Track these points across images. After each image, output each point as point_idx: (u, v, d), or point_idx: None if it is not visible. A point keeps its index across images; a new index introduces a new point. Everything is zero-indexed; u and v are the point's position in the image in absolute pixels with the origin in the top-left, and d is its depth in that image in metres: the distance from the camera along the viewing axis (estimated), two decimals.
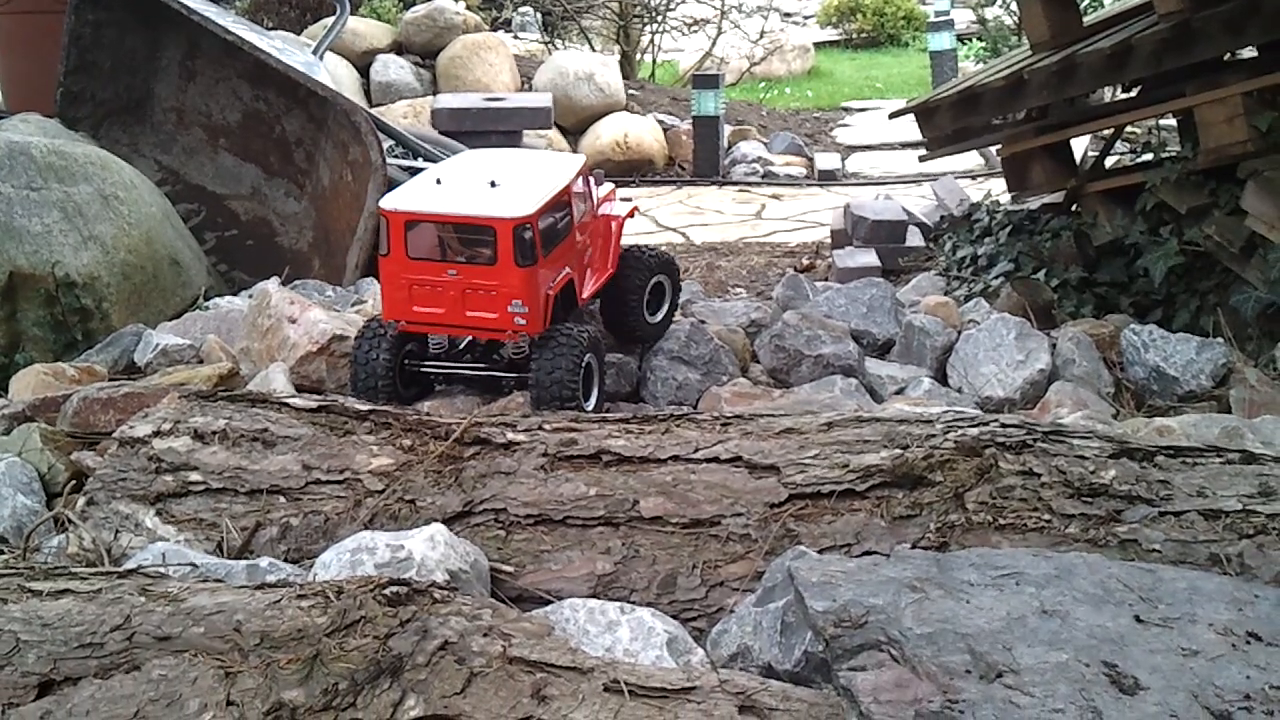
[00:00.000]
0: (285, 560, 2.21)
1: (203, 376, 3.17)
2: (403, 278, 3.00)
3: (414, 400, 3.08)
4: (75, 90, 4.78)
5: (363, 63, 9.42)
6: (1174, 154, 4.39)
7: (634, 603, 2.02)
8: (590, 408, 3.01)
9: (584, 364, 2.98)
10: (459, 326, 3.03)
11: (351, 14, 7.54)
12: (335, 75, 7.68)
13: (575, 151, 9.11)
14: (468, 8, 10.70)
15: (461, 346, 3.14)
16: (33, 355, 3.77)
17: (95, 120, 4.86)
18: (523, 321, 2.95)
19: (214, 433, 2.42)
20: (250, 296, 3.90)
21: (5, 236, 3.83)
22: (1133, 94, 4.87)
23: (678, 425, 2.35)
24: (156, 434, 2.44)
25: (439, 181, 3.09)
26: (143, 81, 4.98)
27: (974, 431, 2.17)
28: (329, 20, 6.31)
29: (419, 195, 3.08)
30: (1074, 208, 4.75)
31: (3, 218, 3.85)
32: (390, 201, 3.06)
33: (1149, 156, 4.85)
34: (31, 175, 3.98)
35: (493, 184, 3.03)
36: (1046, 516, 2.03)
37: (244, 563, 2.13)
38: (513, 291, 2.93)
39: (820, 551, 2.00)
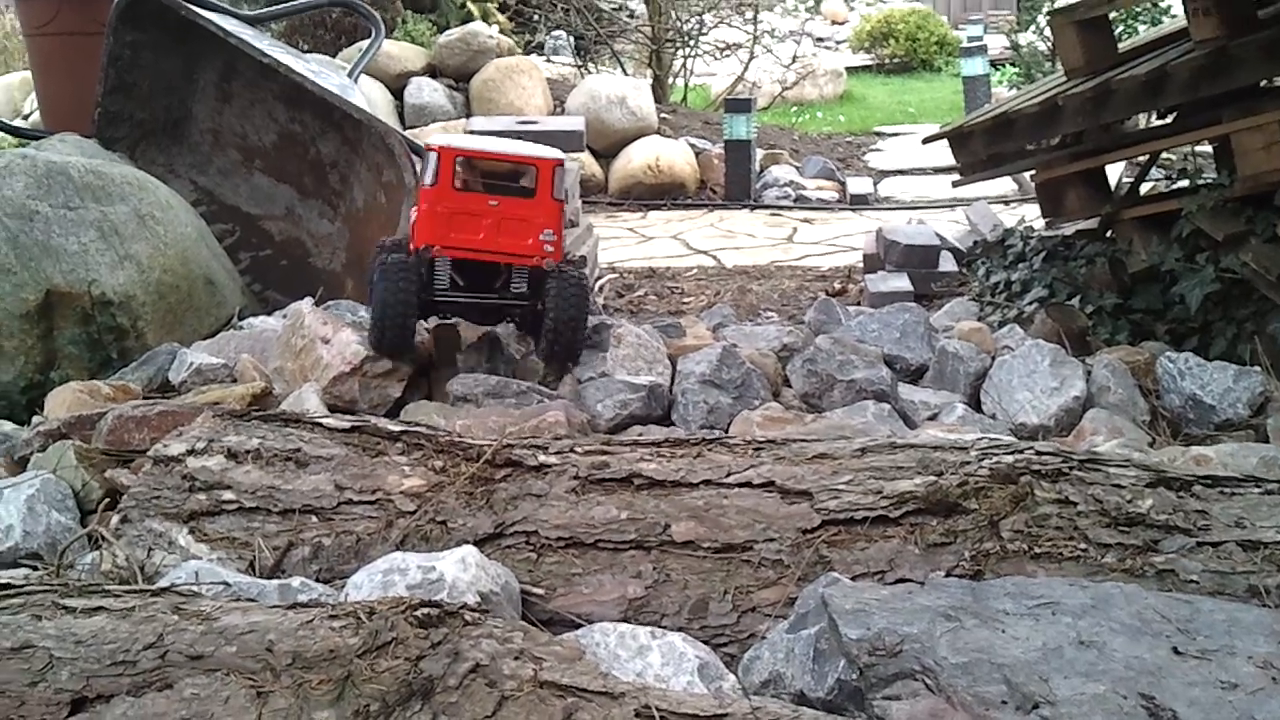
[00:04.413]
0: (317, 580, 2.21)
1: (236, 396, 3.19)
2: (445, 207, 3.34)
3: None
4: (113, 111, 4.83)
5: (397, 85, 9.48)
6: (1210, 181, 4.35)
7: (665, 627, 2.01)
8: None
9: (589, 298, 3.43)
10: (492, 252, 3.37)
11: (386, 37, 7.59)
12: (370, 98, 7.73)
13: (607, 175, 9.15)
14: (501, 31, 10.76)
15: (462, 283, 3.42)
16: (68, 373, 3.80)
17: (132, 141, 4.90)
18: (550, 249, 3.38)
19: (247, 452, 2.43)
20: (284, 316, 3.92)
21: (43, 255, 3.87)
22: (1168, 120, 4.84)
23: (709, 449, 2.35)
24: (190, 453, 2.45)
25: (472, 132, 3.47)
26: (180, 103, 5.02)
27: (1009, 459, 2.15)
28: (364, 43, 6.35)
29: (463, 140, 3.63)
30: (1109, 234, 4.72)
31: (40, 236, 3.89)
32: (441, 140, 3.49)
33: (1185, 183, 4.82)
34: (69, 195, 4.01)
35: (520, 137, 3.52)
36: (1083, 545, 2.01)
37: (276, 582, 2.13)
38: (547, 222, 3.37)
39: (853, 578, 1.99)
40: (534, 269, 3.39)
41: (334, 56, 8.91)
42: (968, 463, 2.16)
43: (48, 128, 5.26)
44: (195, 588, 2.04)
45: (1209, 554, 1.98)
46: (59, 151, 4.34)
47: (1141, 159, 5.01)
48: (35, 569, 2.52)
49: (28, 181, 3.97)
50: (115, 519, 2.43)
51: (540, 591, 2.15)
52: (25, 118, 10.11)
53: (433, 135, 3.66)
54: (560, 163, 3.44)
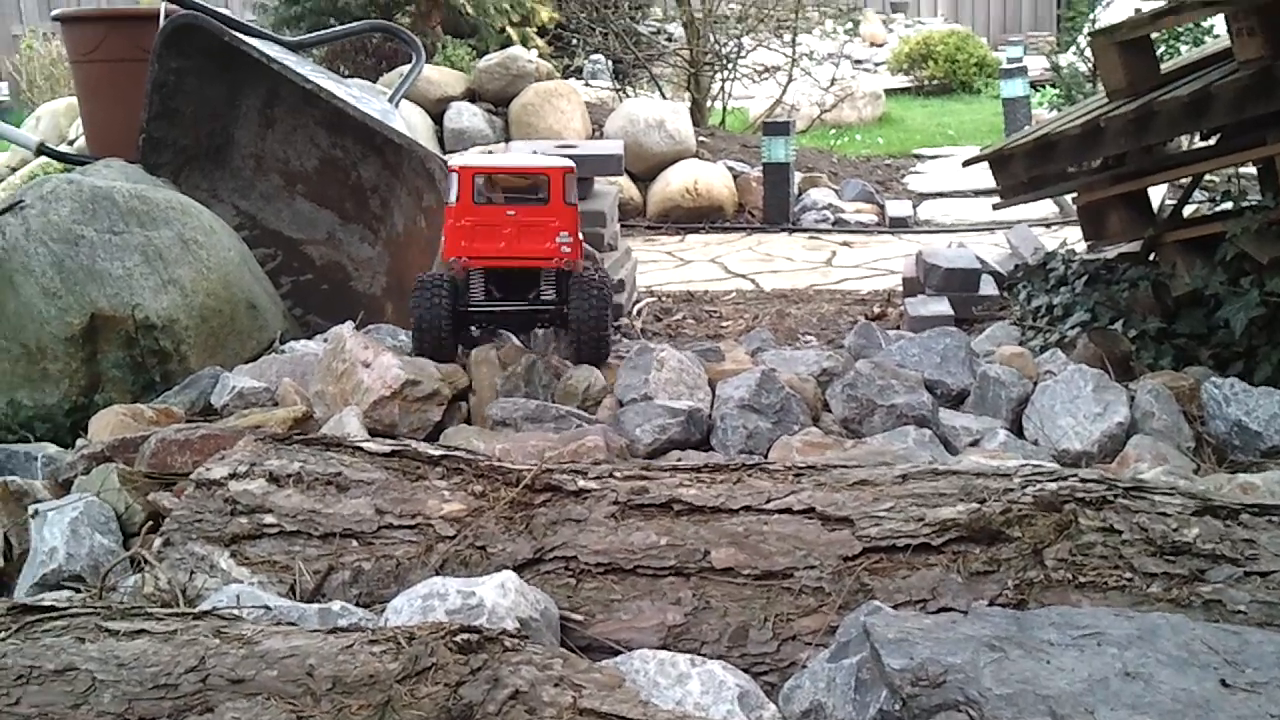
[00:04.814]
0: (357, 604, 2.21)
1: (278, 419, 3.21)
2: (468, 220, 3.64)
3: (460, 346, 3.69)
4: (157, 136, 4.87)
5: (437, 110, 9.55)
6: (1254, 203, 4.31)
7: (705, 655, 2.01)
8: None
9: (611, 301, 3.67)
10: (514, 258, 3.66)
11: (426, 62, 7.65)
12: (410, 122, 7.78)
13: (645, 198, 9.17)
14: (540, 56, 10.81)
15: (497, 295, 3.73)
16: (112, 396, 3.83)
17: (176, 166, 4.94)
18: (567, 250, 3.65)
19: (289, 476, 2.44)
20: (325, 340, 3.94)
21: (87, 279, 3.91)
22: (1212, 142, 4.80)
23: (749, 475, 2.34)
24: (232, 476, 2.46)
25: (489, 152, 3.70)
26: (223, 128, 5.07)
27: (1053, 486, 2.13)
28: (405, 68, 6.40)
29: (480, 159, 3.98)
30: (1152, 257, 4.68)
31: (85, 260, 3.93)
32: (458, 160, 3.80)
33: (1229, 205, 4.77)
34: (114, 219, 4.06)
35: (534, 152, 3.85)
36: (1128, 575, 1.98)
37: (316, 606, 2.14)
38: (561, 225, 3.64)
39: (895, 607, 1.97)
40: (559, 274, 3.68)
41: (375, 81, 8.98)
42: (1011, 490, 2.14)
43: (93, 153, 5.32)
44: (236, 611, 2.05)
45: (1257, 584, 1.95)
46: (104, 177, 4.39)
47: (1184, 181, 4.96)
48: (78, 591, 2.54)
49: (73, 206, 4.02)
50: (157, 542, 2.45)
51: (579, 617, 2.14)
52: (71, 143, 10.23)
53: (455, 157, 3.89)
54: (570, 170, 3.70)
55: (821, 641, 1.99)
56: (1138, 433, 3.24)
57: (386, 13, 10.38)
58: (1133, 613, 1.79)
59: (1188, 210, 5.03)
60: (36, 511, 2.75)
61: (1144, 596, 1.96)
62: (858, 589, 2.06)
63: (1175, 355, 4.04)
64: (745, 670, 1.98)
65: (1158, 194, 5.57)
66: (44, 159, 6.69)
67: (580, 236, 3.84)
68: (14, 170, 10.30)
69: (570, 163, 3.76)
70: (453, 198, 3.65)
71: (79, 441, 3.35)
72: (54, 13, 5.70)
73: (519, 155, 4.02)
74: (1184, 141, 5.37)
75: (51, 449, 3.39)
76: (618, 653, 2.03)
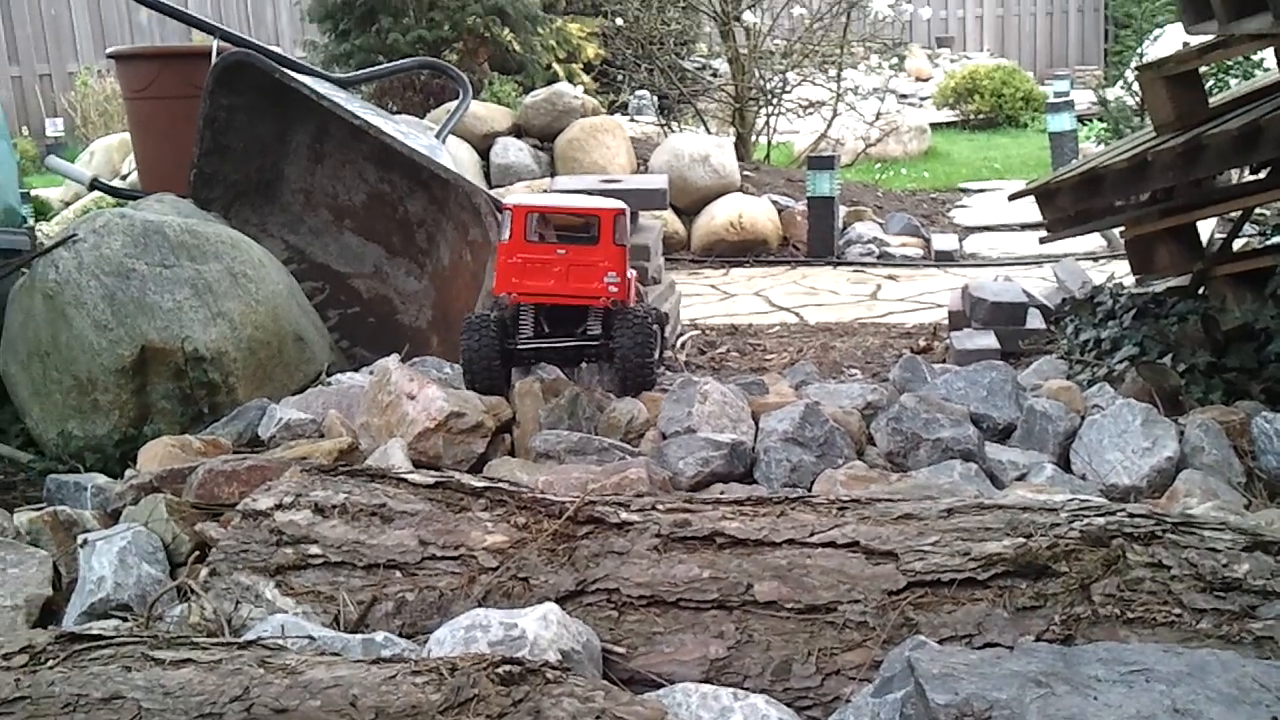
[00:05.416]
0: (400, 635, 2.22)
1: (324, 451, 3.23)
2: (519, 257, 3.73)
3: (509, 379, 3.75)
4: (208, 172, 4.94)
5: (483, 145, 9.61)
6: None
7: (747, 689, 1.99)
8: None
9: (655, 334, 3.80)
10: (562, 295, 3.75)
11: (473, 99, 7.72)
12: (456, 157, 7.84)
13: (690, 232, 9.19)
14: (586, 91, 10.88)
15: (546, 330, 3.81)
16: (161, 427, 3.88)
17: (226, 201, 5.01)
18: (615, 289, 3.72)
19: (334, 507, 2.45)
20: (371, 373, 3.97)
21: (138, 312, 3.96)
22: (1261, 175, 4.76)
23: (793, 508, 2.33)
24: (278, 507, 2.48)
25: (545, 190, 3.88)
26: (273, 164, 5.14)
27: (1100, 521, 2.11)
28: (452, 104, 6.46)
29: (532, 197, 4.28)
30: (1201, 291, 4.64)
31: (136, 294, 3.98)
32: (513, 199, 3.94)
33: (1279, 239, 4.73)
34: (165, 253, 4.11)
35: (588, 193, 4.13)
36: (1177, 611, 1.96)
37: (360, 636, 2.14)
38: (610, 265, 3.71)
39: (940, 642, 1.95)
40: (606, 310, 3.75)
41: (422, 118, 9.05)
42: (1057, 524, 2.12)
43: (145, 188, 5.40)
44: (281, 641, 2.06)
45: None
46: (156, 211, 4.45)
47: (1234, 215, 4.92)
48: (125, 620, 2.56)
49: (125, 240, 4.07)
50: (204, 572, 2.47)
51: (621, 650, 2.14)
52: (124, 178, 10.39)
53: (510, 195, 3.98)
54: (621, 212, 3.77)
55: (865, 676, 1.97)
56: (1187, 467, 3.20)
57: (434, 50, 10.47)
58: (1182, 649, 1.77)
59: (1237, 243, 4.98)
60: (85, 541, 2.78)
61: (1193, 633, 1.93)
62: (902, 624, 2.04)
63: (1225, 389, 3.99)
64: (788, 705, 1.97)
65: (1207, 228, 5.52)
66: (97, 193, 6.79)
67: (633, 275, 3.88)
68: (68, 205, 10.48)
69: (622, 204, 3.84)
70: (506, 234, 3.75)
71: (128, 472, 3.39)
72: (109, 50, 5.81)
73: (572, 195, 4.18)
74: (1234, 175, 5.32)
75: (101, 479, 3.43)
76: (660, 686, 2.02)
